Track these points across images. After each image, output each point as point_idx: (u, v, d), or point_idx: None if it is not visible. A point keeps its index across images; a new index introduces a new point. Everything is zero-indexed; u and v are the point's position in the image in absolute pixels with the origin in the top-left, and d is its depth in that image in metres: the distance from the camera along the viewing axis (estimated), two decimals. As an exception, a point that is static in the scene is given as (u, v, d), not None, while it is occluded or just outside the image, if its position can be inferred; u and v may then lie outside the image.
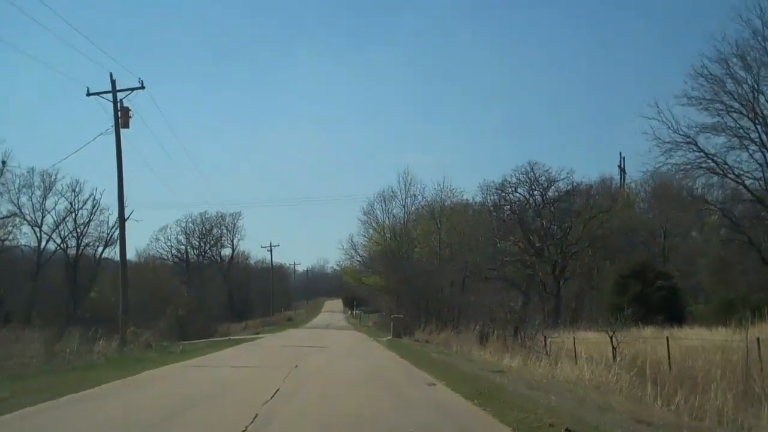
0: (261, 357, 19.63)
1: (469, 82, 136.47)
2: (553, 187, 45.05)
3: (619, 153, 51.56)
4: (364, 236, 50.47)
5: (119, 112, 25.39)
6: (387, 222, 47.74)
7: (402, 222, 46.77)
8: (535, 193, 45.16)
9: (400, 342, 30.04)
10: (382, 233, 47.47)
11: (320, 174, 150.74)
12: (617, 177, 52.27)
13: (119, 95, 25.45)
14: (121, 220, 26.93)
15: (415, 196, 47.45)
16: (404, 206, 47.54)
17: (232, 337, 36.69)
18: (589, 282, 44.58)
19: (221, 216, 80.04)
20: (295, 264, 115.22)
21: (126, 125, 25.62)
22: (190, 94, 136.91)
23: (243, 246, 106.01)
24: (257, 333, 51.19)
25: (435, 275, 39.42)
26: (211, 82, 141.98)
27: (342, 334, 41.72)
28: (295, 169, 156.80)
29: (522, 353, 21.16)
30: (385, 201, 48.88)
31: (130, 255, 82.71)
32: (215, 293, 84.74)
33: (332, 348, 24.64)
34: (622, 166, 53.89)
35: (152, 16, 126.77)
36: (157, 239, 70.69)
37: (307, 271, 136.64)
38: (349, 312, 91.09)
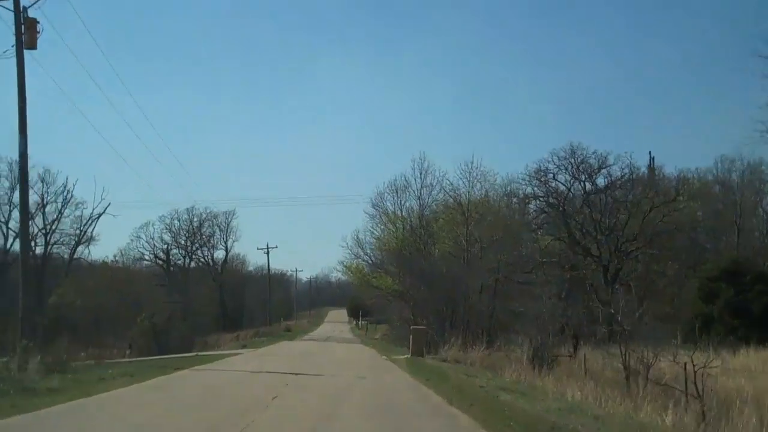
0: (178, 410, 9.93)
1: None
2: (603, 172, 36.91)
3: (648, 153, 42.60)
4: (373, 232, 42.19)
5: (22, 26, 17.48)
6: (400, 214, 39.41)
7: (417, 215, 38.37)
8: (582, 178, 36.96)
9: (423, 363, 21.79)
10: (394, 226, 39.07)
11: (333, 177, 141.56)
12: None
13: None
14: (23, 185, 18.68)
15: (432, 185, 39.16)
16: (419, 197, 39.30)
17: (201, 354, 28.39)
18: (649, 288, 36.20)
19: (213, 215, 72.10)
20: (297, 270, 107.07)
21: (33, 45, 17.67)
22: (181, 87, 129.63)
23: (239, 249, 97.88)
24: (244, 346, 43.31)
25: (463, 277, 31.15)
26: (206, 80, 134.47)
27: (345, 349, 33.46)
28: (305, 170, 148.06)
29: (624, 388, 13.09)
30: (397, 192, 40.73)
31: (108, 255, 75.30)
32: (206, 300, 76.78)
33: (327, 378, 15.63)
34: (652, 165, 44.98)
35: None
36: (138, 238, 62.60)
37: (310, 279, 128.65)
38: (355, 322, 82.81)
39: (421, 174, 39.14)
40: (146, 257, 62.61)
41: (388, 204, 40.85)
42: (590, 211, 36.19)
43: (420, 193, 39.20)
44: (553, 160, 37.14)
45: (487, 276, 32.37)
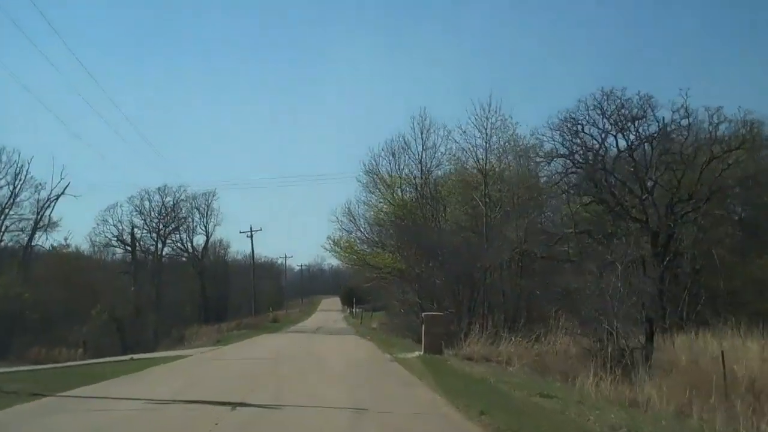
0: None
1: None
2: (648, 118, 30.03)
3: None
4: (367, 202, 35.12)
5: None
6: (400, 176, 32.28)
7: (423, 178, 31.29)
8: (621, 127, 30.09)
9: (448, 367, 15.00)
10: (392, 194, 31.95)
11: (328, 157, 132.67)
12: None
13: None
14: None
15: (435, 146, 32.18)
16: (421, 161, 32.28)
17: (136, 357, 21.30)
18: (708, 260, 29.51)
19: (192, 196, 64.73)
20: (286, 257, 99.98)
21: None
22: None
23: (223, 235, 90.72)
24: (218, 341, 36.70)
25: (483, 249, 24.44)
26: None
27: (336, 343, 26.76)
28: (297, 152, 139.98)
29: None
30: (394, 155, 33.77)
31: (73, 242, 66.89)
32: (186, 290, 69.82)
33: (292, 417, 8.29)
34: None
35: None
36: (105, 222, 55.21)
37: (301, 266, 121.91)
38: (349, 311, 76.21)
39: (422, 133, 32.14)
40: (114, 243, 55.31)
41: (384, 172, 33.96)
42: (636, 164, 29.39)
43: (422, 156, 32.25)
44: (583, 109, 30.27)
45: (511, 248, 25.66)
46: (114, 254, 57.31)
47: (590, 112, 30.17)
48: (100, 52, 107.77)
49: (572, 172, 33.61)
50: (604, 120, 30.82)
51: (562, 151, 32.48)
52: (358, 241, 34.41)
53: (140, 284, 53.19)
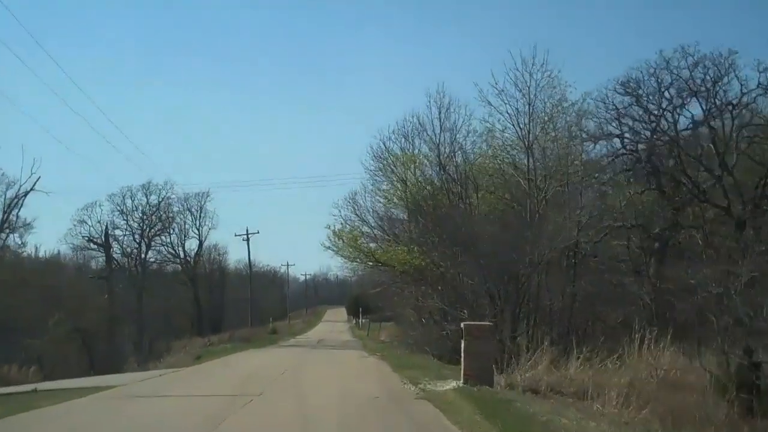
0: None
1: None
2: (722, 84, 24.07)
3: None
4: (376, 190, 29.04)
5: None
6: (421, 153, 26.25)
7: (445, 155, 25.24)
8: (701, 90, 24.15)
9: (508, 406, 9.10)
10: (408, 170, 25.78)
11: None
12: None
13: None
14: None
15: (456, 128, 26.19)
16: (438, 145, 26.24)
17: (41, 389, 15.07)
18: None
19: (184, 197, 59.05)
20: (288, 265, 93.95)
21: None
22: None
23: (220, 241, 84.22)
24: (198, 357, 31.18)
25: (530, 241, 18.54)
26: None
27: (338, 362, 20.86)
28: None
29: None
30: (407, 138, 27.87)
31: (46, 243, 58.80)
32: (179, 299, 64.07)
33: None
34: None
35: None
36: (82, 222, 49.41)
37: (306, 277, 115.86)
38: (355, 321, 70.39)
39: (440, 113, 26.11)
40: (92, 246, 49.45)
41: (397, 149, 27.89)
42: (715, 134, 23.42)
43: (439, 140, 26.26)
44: (644, 72, 24.39)
45: (568, 238, 19.72)
46: (94, 258, 51.40)
47: (655, 74, 24.31)
48: (107, 50, 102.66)
49: (625, 153, 27.70)
50: (671, 86, 25.01)
51: (614, 126, 26.66)
52: (365, 238, 28.17)
53: (122, 292, 47.35)
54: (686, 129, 26.08)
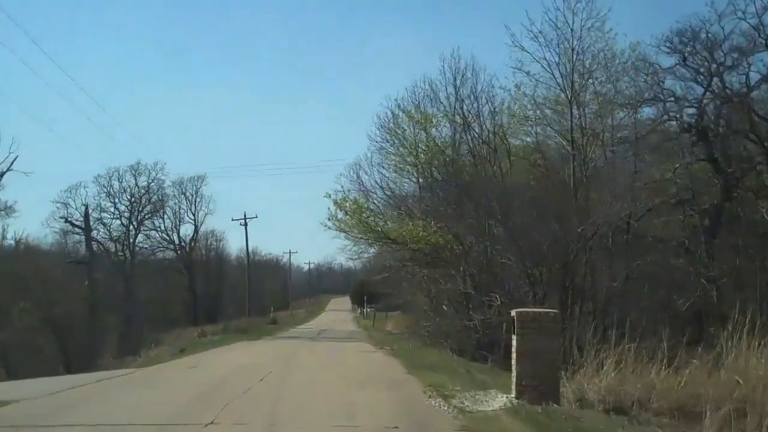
0: None
1: None
2: None
3: None
4: (383, 163, 24.93)
5: None
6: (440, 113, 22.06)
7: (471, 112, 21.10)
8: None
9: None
10: (425, 130, 21.61)
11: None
12: None
13: None
14: None
15: (474, 96, 22.03)
16: (452, 114, 21.98)
17: None
18: None
19: (179, 181, 55.43)
20: (290, 252, 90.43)
21: None
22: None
23: (218, 226, 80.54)
24: (182, 350, 27.78)
25: (578, 213, 14.78)
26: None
27: (338, 360, 17.19)
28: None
29: None
30: (419, 106, 23.77)
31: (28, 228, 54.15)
32: (174, 286, 60.70)
33: None
34: None
35: None
36: (65, 205, 45.74)
37: (309, 266, 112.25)
38: (359, 310, 66.94)
39: (455, 79, 21.83)
40: (75, 230, 45.75)
41: (406, 127, 23.90)
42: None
43: (454, 108, 22.08)
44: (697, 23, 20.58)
45: (623, 209, 15.94)
46: (79, 243, 47.53)
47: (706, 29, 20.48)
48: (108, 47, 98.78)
49: (670, 120, 23.85)
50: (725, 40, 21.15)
51: (656, 90, 22.76)
52: (367, 207, 23.93)
53: (107, 279, 43.76)
54: (752, 87, 22.29)
